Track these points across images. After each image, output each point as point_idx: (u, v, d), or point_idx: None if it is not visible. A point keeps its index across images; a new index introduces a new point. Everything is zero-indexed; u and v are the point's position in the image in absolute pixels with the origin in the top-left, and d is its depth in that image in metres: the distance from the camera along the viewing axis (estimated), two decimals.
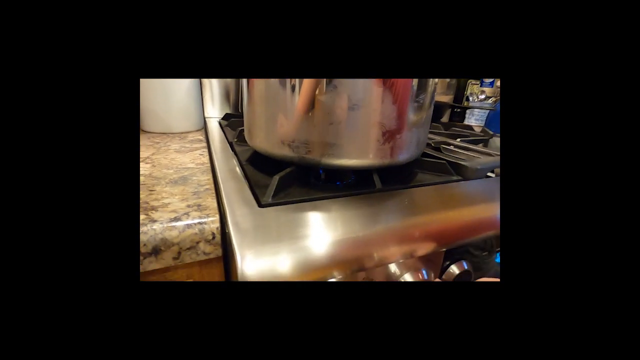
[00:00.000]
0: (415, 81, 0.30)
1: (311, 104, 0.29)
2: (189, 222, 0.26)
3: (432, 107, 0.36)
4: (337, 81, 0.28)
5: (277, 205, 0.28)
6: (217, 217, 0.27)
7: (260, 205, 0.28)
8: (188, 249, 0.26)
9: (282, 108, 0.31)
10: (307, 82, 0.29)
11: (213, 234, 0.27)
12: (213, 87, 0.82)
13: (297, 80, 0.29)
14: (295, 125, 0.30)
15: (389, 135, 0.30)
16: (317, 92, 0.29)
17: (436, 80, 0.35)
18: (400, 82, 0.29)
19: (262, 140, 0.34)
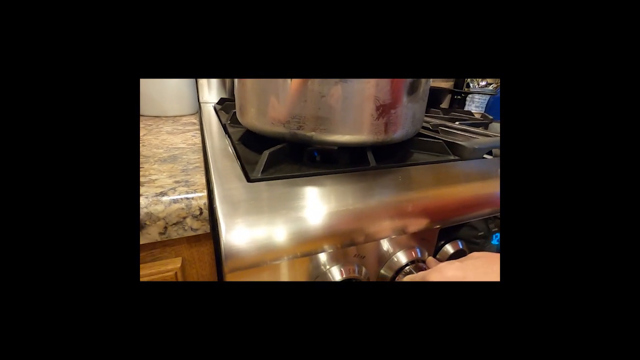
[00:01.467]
0: None
1: (305, 82, 0.28)
2: (176, 197, 0.26)
3: (429, 83, 0.35)
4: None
5: (266, 180, 0.27)
6: (204, 193, 0.27)
7: (249, 180, 0.27)
8: (175, 224, 0.26)
9: (273, 82, 0.30)
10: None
11: (200, 209, 0.26)
12: None
13: None
14: (287, 98, 0.29)
15: (383, 110, 0.29)
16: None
17: None
18: None
19: (253, 117, 0.33)
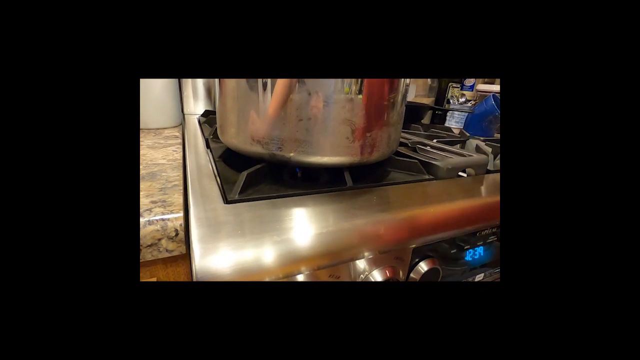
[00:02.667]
0: (386, 80, 0.31)
1: (284, 102, 0.29)
2: (151, 218, 0.26)
3: (404, 106, 0.36)
4: (308, 79, 0.28)
5: (244, 201, 0.28)
6: (180, 214, 0.27)
7: (226, 201, 0.27)
8: (149, 246, 0.26)
9: (253, 104, 0.30)
10: (280, 80, 0.29)
11: (176, 230, 0.26)
12: (194, 83, 0.80)
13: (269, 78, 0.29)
14: (266, 121, 0.30)
15: (359, 134, 0.31)
16: (288, 88, 0.28)
17: (407, 81, 0.35)
18: (371, 81, 0.30)
19: (233, 136, 0.34)
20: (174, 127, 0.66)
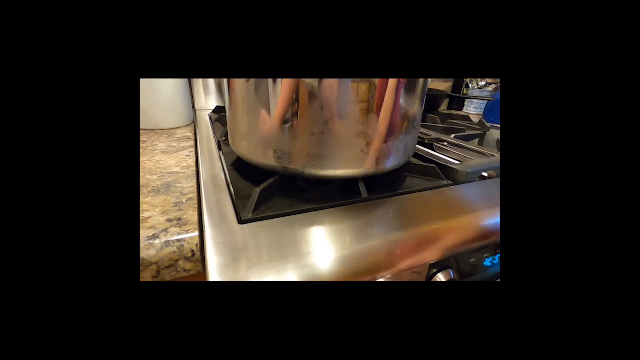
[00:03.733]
0: (401, 89, 0.29)
1: (296, 114, 0.28)
2: (168, 239, 0.26)
3: (421, 112, 0.34)
4: (319, 91, 0.26)
5: (258, 220, 0.27)
6: (196, 234, 0.27)
7: (240, 221, 0.27)
8: (167, 267, 0.26)
9: (265, 115, 0.29)
10: (288, 88, 0.27)
11: (192, 251, 0.27)
12: (205, 78, 0.79)
13: (279, 86, 0.27)
14: (277, 135, 0.29)
15: (374, 146, 0.29)
16: (299, 102, 0.27)
17: (425, 86, 0.33)
18: (385, 90, 0.28)
19: (244, 148, 0.33)
20: (187, 126, 0.66)
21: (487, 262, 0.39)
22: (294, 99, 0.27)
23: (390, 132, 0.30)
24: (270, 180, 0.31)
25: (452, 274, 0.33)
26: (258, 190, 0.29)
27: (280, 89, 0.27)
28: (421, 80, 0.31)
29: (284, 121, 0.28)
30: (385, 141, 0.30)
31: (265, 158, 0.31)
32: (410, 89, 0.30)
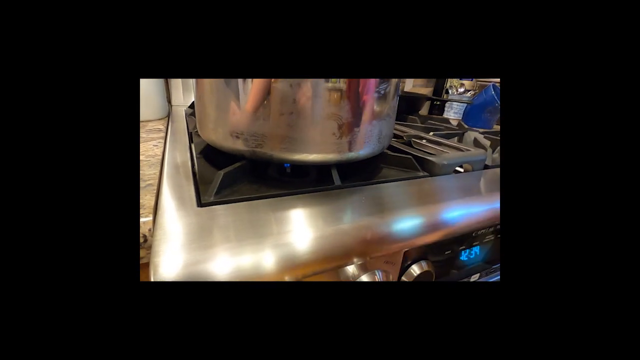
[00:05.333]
0: None
1: (265, 94, 0.26)
2: None
3: (397, 98, 0.34)
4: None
5: (220, 204, 0.25)
6: (150, 218, 0.25)
7: (200, 204, 0.25)
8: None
9: (232, 96, 0.28)
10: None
11: (144, 236, 0.24)
12: None
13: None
14: (246, 115, 0.28)
15: (346, 129, 0.28)
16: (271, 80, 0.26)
17: None
18: None
19: (211, 131, 0.31)
20: (159, 119, 0.63)
21: (463, 256, 0.38)
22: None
23: (364, 115, 0.29)
24: (237, 165, 0.29)
25: (425, 265, 0.32)
26: (221, 172, 0.27)
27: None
28: None
29: (257, 101, 0.27)
30: (358, 125, 0.29)
31: (233, 142, 0.29)
32: None
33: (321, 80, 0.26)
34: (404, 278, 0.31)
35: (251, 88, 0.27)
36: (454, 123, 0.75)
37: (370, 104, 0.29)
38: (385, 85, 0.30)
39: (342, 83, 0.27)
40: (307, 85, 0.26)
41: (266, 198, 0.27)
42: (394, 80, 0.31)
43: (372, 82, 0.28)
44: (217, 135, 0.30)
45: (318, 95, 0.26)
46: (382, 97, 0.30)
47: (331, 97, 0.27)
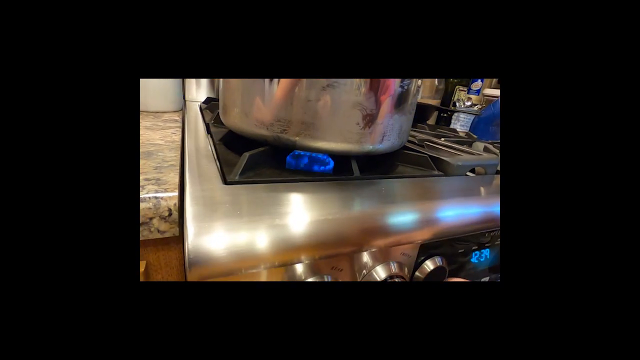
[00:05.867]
0: None
1: (294, 82, 0.27)
2: (143, 195, 0.24)
3: (417, 96, 0.35)
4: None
5: (244, 183, 0.26)
6: (176, 193, 0.25)
7: (225, 182, 0.25)
8: (140, 224, 0.24)
9: (259, 83, 0.29)
10: None
11: (169, 209, 0.24)
12: None
13: None
14: (272, 102, 0.28)
15: (370, 120, 0.29)
16: None
17: None
18: None
19: (235, 117, 0.32)
20: (175, 111, 0.64)
21: (473, 259, 0.38)
22: None
23: (387, 107, 0.29)
24: (261, 149, 0.30)
25: (439, 261, 0.32)
26: (247, 154, 0.28)
27: None
28: None
29: (282, 88, 0.27)
30: (382, 117, 0.29)
31: (257, 127, 0.30)
32: None
33: None
34: (417, 273, 0.31)
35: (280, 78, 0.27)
36: (462, 134, 0.77)
37: (394, 97, 0.30)
38: (408, 81, 0.31)
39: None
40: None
41: (287, 182, 0.28)
42: (414, 80, 0.32)
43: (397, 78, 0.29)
44: (242, 121, 0.31)
45: (344, 83, 0.27)
46: (405, 92, 0.31)
47: (357, 87, 0.27)
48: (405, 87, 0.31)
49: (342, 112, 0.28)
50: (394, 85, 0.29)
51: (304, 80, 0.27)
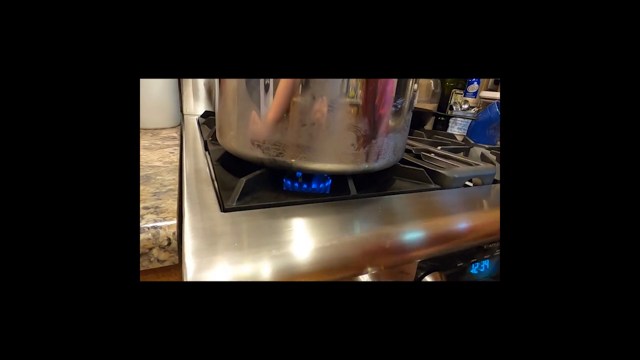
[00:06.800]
0: (393, 84, 0.29)
1: (286, 104, 0.27)
2: (142, 225, 0.24)
3: (411, 113, 0.35)
4: (312, 81, 0.26)
5: (242, 209, 0.26)
6: (174, 222, 0.25)
7: (223, 209, 0.26)
8: (139, 255, 0.24)
9: (254, 106, 0.29)
10: (283, 82, 0.27)
11: (168, 239, 0.25)
12: (195, 83, 0.79)
13: (271, 79, 0.27)
14: (267, 125, 0.29)
15: (364, 140, 0.29)
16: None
17: (415, 85, 0.34)
18: (378, 84, 0.28)
19: (231, 139, 0.32)
20: (173, 127, 0.64)
21: (473, 270, 0.39)
22: (290, 89, 0.27)
23: (381, 127, 0.30)
24: (257, 172, 0.30)
25: (439, 276, 0.32)
26: (244, 179, 0.28)
27: (276, 81, 0.27)
28: (411, 79, 0.32)
29: (279, 112, 0.28)
30: (376, 137, 0.30)
31: (253, 150, 0.30)
32: (401, 86, 0.30)
33: (342, 92, 0.27)
34: None
35: (274, 98, 0.28)
36: (459, 139, 0.77)
37: (387, 117, 0.30)
38: (401, 100, 0.31)
39: (362, 96, 0.28)
40: (329, 97, 0.27)
41: (285, 205, 0.28)
42: (409, 94, 0.32)
43: (390, 95, 0.30)
44: (238, 143, 0.31)
45: (338, 106, 0.27)
46: (398, 111, 0.31)
47: (351, 109, 0.28)
48: (399, 106, 0.31)
49: (337, 134, 0.28)
50: (386, 105, 0.29)
51: (298, 104, 0.27)
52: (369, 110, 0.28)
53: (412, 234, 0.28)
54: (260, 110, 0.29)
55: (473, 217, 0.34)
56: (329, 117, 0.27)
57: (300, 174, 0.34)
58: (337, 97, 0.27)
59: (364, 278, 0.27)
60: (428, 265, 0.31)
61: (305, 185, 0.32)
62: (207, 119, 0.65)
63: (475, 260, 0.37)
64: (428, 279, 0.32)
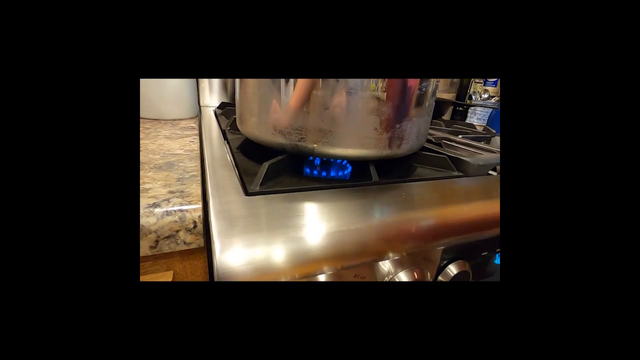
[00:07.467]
0: None
1: (309, 92, 0.27)
2: (169, 208, 0.24)
3: (435, 97, 0.34)
4: None
5: (265, 194, 0.26)
6: (199, 205, 0.25)
7: (247, 193, 0.26)
8: (166, 237, 0.25)
9: (276, 92, 0.29)
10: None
11: (194, 222, 0.25)
12: None
13: None
14: (289, 110, 0.28)
15: (387, 124, 0.28)
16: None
17: None
18: None
19: (253, 126, 0.32)
20: (191, 118, 0.65)
21: (497, 260, 0.37)
22: None
23: (405, 112, 0.29)
24: (279, 157, 0.30)
25: (463, 265, 0.31)
26: (267, 164, 0.28)
27: None
28: None
29: (298, 95, 0.28)
30: (399, 121, 0.29)
31: (275, 136, 0.30)
32: None
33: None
34: (440, 278, 0.31)
35: (297, 83, 0.28)
36: (479, 129, 0.74)
37: (411, 101, 0.29)
38: (425, 83, 0.30)
39: (384, 80, 0.27)
40: (352, 80, 0.26)
41: (308, 190, 0.28)
42: (433, 79, 0.31)
43: (414, 79, 0.29)
44: (260, 130, 0.31)
45: (361, 89, 0.27)
46: (422, 95, 0.30)
47: (374, 93, 0.27)
48: (424, 90, 0.30)
49: (360, 118, 0.28)
50: (411, 88, 0.28)
51: (320, 88, 0.27)
52: (393, 94, 0.28)
53: (436, 220, 0.28)
54: (282, 95, 0.28)
55: (497, 205, 0.33)
56: (351, 100, 0.27)
57: (319, 161, 0.34)
58: (360, 80, 0.26)
59: (385, 265, 0.27)
60: (452, 253, 0.31)
61: (324, 173, 0.32)
62: (224, 109, 0.65)
63: (499, 249, 0.36)
64: (452, 267, 0.31)
